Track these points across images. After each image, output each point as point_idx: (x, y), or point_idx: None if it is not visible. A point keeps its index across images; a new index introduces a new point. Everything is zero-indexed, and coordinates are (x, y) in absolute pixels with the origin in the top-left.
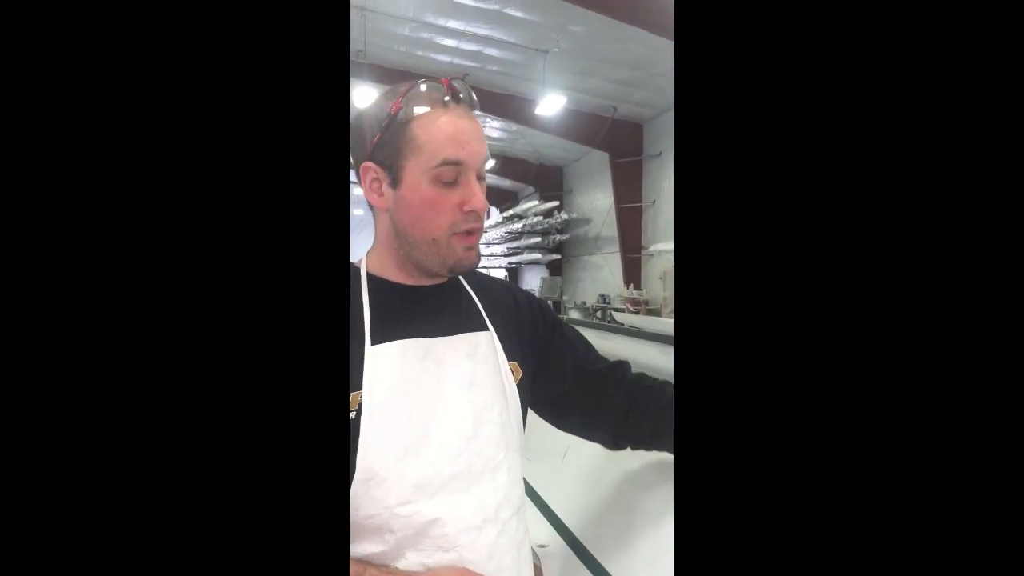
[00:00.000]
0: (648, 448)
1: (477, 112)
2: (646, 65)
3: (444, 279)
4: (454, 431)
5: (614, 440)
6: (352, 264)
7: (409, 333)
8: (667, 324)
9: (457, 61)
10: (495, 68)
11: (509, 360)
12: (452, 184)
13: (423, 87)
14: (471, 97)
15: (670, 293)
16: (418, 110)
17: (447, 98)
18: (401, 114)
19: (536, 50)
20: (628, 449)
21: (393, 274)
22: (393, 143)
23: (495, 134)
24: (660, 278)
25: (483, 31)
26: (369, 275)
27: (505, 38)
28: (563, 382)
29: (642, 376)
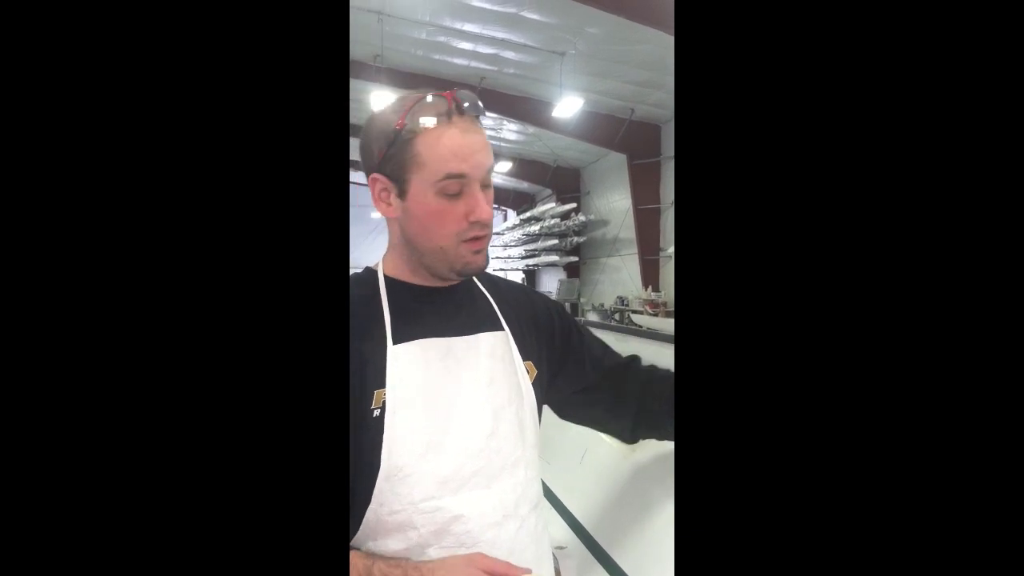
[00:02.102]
0: (665, 437)
1: (491, 116)
2: (662, 66)
3: (456, 281)
4: (474, 428)
5: (632, 431)
6: (370, 268)
7: (428, 332)
8: None
9: (474, 64)
10: (512, 71)
11: (524, 359)
12: (457, 196)
13: (428, 100)
14: (477, 106)
15: None
16: (422, 124)
17: (450, 111)
18: (405, 130)
19: (553, 52)
20: (641, 440)
21: (408, 276)
22: (399, 157)
23: (512, 136)
24: None
25: (500, 34)
26: (386, 277)
27: (522, 41)
28: (583, 379)
29: (652, 367)
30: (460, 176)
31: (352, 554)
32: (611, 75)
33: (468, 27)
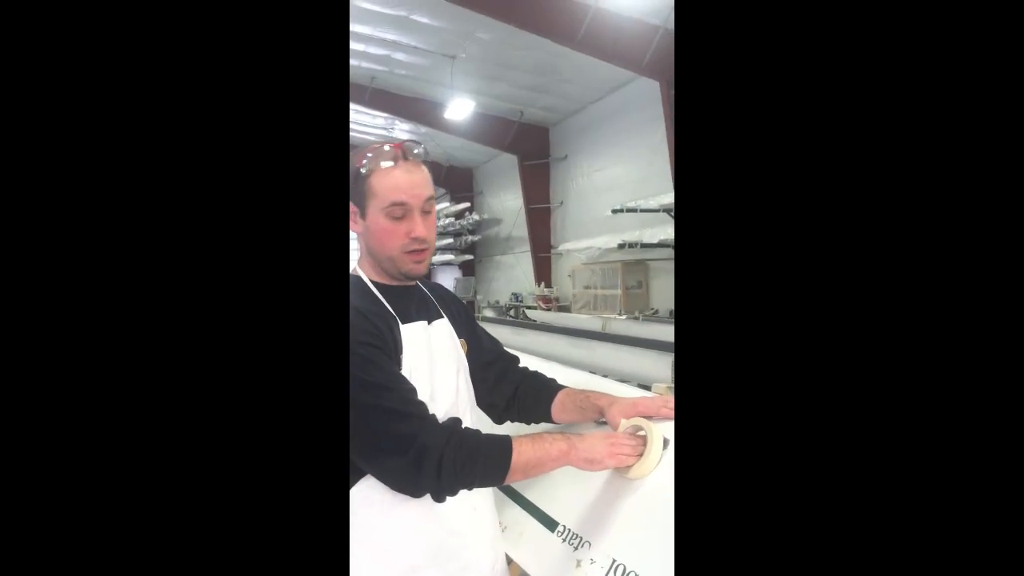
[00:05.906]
0: (527, 421)
1: (383, 116)
2: (551, 71)
3: (408, 283)
4: (449, 385)
5: (502, 412)
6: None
7: (417, 318)
8: (576, 319)
9: (365, 65)
10: (403, 72)
11: (459, 337)
12: (400, 218)
13: (385, 149)
14: (424, 152)
15: (579, 290)
16: (376, 166)
17: (396, 156)
18: (363, 169)
19: (443, 55)
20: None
21: (378, 278)
22: (359, 188)
23: (404, 137)
24: (569, 276)
25: (390, 36)
26: (370, 279)
27: (412, 43)
28: (481, 358)
29: (526, 368)
30: (402, 204)
31: (516, 440)
32: (501, 79)
33: (358, 28)
